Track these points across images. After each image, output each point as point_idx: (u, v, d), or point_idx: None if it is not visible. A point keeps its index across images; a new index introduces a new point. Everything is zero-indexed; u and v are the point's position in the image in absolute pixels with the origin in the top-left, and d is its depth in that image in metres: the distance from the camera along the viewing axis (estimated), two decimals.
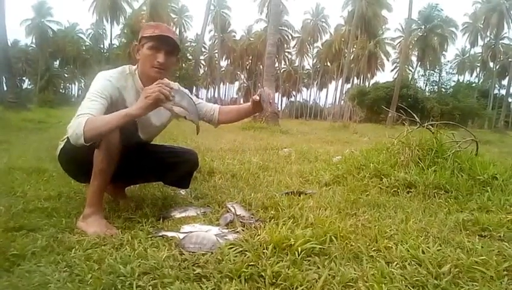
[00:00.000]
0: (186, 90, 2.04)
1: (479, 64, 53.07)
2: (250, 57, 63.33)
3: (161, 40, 1.80)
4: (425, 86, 31.40)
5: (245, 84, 69.59)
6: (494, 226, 1.86)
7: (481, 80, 51.94)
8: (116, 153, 1.71)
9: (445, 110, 25.49)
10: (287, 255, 1.39)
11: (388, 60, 55.62)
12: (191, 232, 1.61)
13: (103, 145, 1.67)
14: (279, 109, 56.27)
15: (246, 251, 1.41)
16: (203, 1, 41.60)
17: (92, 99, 1.68)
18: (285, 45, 62.43)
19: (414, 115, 3.61)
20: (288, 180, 2.95)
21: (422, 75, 32.84)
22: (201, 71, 61.27)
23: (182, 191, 2.39)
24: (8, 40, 16.75)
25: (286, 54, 65.16)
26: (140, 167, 2.02)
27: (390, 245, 1.55)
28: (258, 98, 1.88)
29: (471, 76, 55.93)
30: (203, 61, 61.71)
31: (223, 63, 65.52)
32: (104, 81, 1.77)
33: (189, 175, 2.18)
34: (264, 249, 1.41)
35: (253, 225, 1.73)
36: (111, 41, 54.08)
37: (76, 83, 67.14)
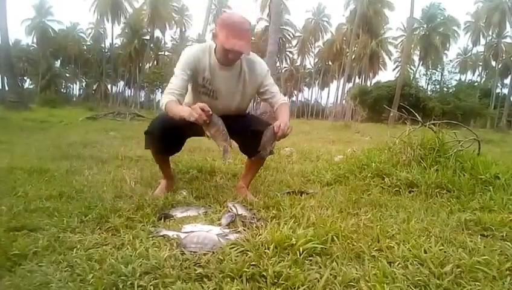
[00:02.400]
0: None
1: (481, 63, 52.90)
2: None
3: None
4: (427, 85, 31.34)
5: None
6: (496, 225, 1.85)
7: (483, 79, 51.76)
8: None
9: (447, 110, 25.47)
10: (289, 254, 1.38)
11: (390, 59, 55.57)
12: (193, 232, 1.61)
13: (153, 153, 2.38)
14: None
15: (248, 250, 1.41)
16: (204, 0, 41.58)
17: (177, 75, 2.10)
18: (287, 44, 62.36)
19: (416, 114, 3.60)
20: (289, 180, 2.94)
21: (424, 74, 32.74)
22: None
23: (184, 191, 2.39)
24: (9, 39, 16.79)
25: (287, 53, 65.02)
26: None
27: (392, 245, 1.54)
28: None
29: (473, 75, 55.85)
30: None
31: None
32: (185, 56, 2.16)
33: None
34: (265, 248, 1.41)
35: (254, 224, 1.72)
36: (112, 40, 54.23)
37: (78, 83, 67.30)
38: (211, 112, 1.88)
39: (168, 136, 2.21)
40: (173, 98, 2.02)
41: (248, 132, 2.25)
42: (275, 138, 2.04)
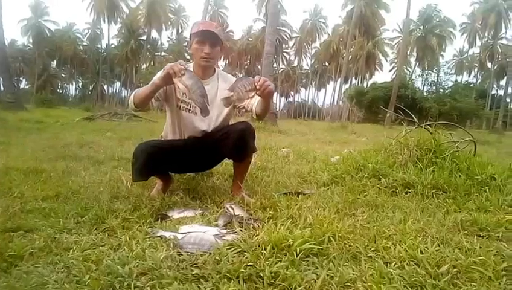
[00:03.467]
0: (239, 77, 2.29)
1: (477, 65, 53.14)
2: (249, 57, 63.21)
3: (205, 34, 2.17)
4: (423, 86, 31.52)
5: None
6: (492, 226, 1.87)
7: (479, 80, 52.08)
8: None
9: (443, 111, 25.62)
10: (286, 255, 1.39)
11: (386, 60, 55.69)
12: (189, 232, 1.61)
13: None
14: (277, 109, 56.35)
15: (244, 251, 1.41)
16: (200, 1, 41.61)
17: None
18: (284, 45, 62.36)
19: (412, 115, 3.61)
20: (286, 181, 2.95)
21: (420, 75, 32.91)
22: None
23: (180, 192, 2.39)
24: (5, 39, 16.71)
25: (284, 54, 65.06)
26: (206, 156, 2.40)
27: (388, 245, 1.55)
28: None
29: (469, 76, 56.17)
30: None
31: (221, 63, 65.42)
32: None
33: (242, 143, 2.20)
34: (262, 249, 1.41)
35: (251, 225, 1.72)
36: (109, 41, 54.08)
37: (74, 83, 67.04)
38: (185, 67, 1.94)
39: (151, 156, 2.14)
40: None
41: (219, 134, 2.28)
42: (252, 88, 1.93)
